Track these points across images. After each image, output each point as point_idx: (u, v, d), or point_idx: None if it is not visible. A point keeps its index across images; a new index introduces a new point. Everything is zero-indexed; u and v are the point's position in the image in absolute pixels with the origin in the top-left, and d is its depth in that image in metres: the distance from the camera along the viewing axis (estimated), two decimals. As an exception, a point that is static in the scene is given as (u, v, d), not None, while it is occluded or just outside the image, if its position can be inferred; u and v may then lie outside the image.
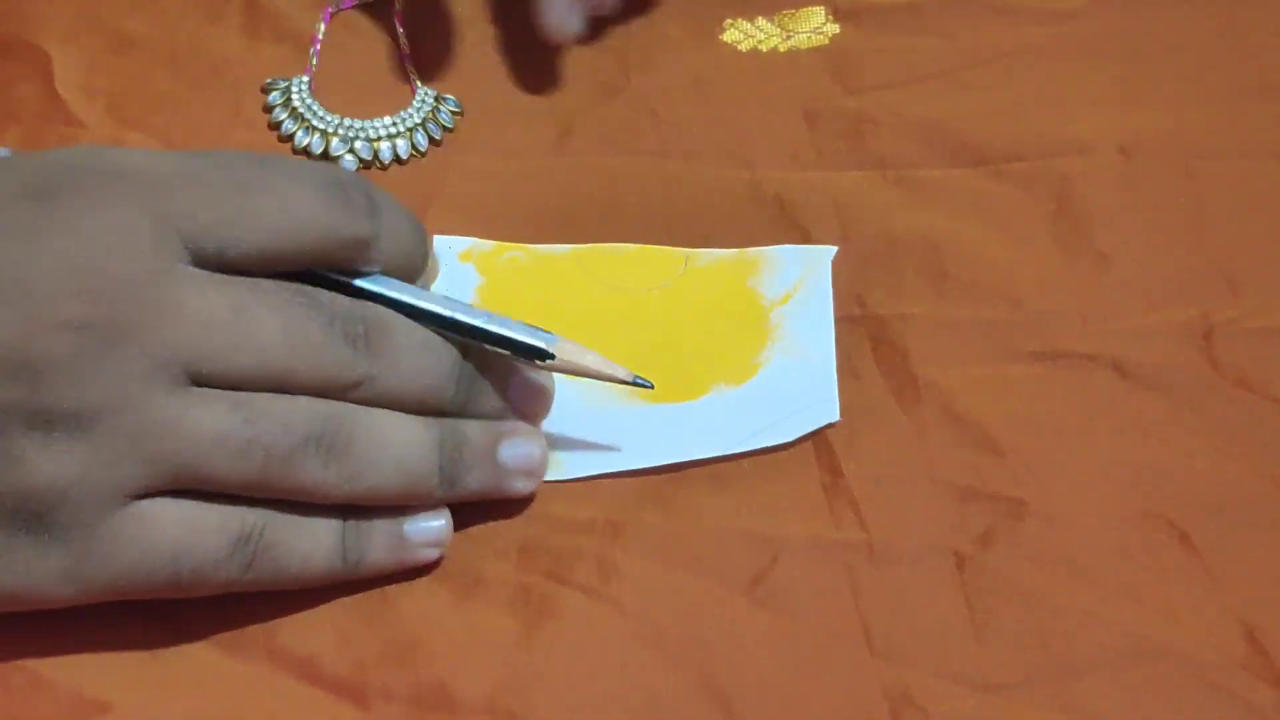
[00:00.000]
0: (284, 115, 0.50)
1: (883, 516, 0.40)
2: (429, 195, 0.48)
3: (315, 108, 0.50)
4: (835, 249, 0.45)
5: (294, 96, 0.50)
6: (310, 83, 0.51)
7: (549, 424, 0.40)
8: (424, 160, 0.50)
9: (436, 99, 0.51)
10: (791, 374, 0.42)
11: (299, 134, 0.49)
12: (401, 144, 0.49)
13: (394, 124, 0.50)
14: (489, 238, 0.46)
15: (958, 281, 0.45)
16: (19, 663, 0.36)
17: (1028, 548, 0.39)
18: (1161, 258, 0.46)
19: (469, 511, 0.39)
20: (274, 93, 0.50)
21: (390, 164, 0.49)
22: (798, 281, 0.44)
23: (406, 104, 0.51)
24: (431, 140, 0.50)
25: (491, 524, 0.40)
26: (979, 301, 0.45)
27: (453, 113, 0.51)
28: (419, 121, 0.50)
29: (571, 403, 0.41)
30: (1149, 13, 0.53)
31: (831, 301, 0.44)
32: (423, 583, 0.38)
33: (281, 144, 0.49)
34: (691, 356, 0.42)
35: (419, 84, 0.51)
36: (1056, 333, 0.44)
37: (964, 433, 0.42)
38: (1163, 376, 0.43)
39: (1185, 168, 0.48)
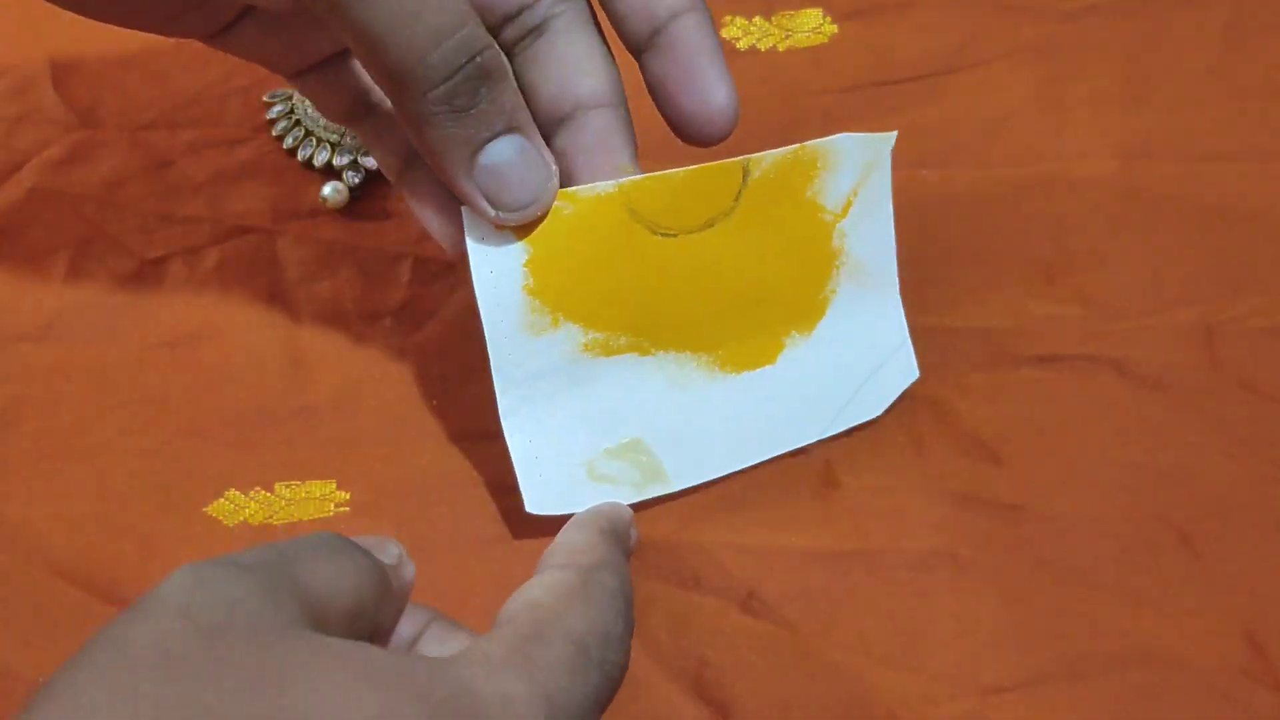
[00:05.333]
0: (287, 128, 0.50)
1: (880, 526, 0.40)
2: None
3: (319, 119, 0.50)
4: (894, 134, 0.40)
5: (297, 108, 0.50)
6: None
7: (642, 427, 0.39)
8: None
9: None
10: (859, 309, 0.41)
11: (302, 147, 0.49)
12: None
13: (397, 133, 0.50)
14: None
15: (957, 286, 0.45)
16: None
17: (1027, 552, 0.40)
18: (1162, 258, 0.46)
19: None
20: (276, 105, 0.50)
21: (394, 174, 0.49)
22: (857, 184, 0.40)
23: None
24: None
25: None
26: (978, 306, 0.45)
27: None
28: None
29: (652, 385, 0.39)
30: (1149, 13, 0.53)
31: (891, 204, 0.41)
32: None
33: (286, 157, 0.50)
34: (759, 301, 0.39)
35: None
36: (1057, 335, 0.44)
37: (962, 440, 0.42)
38: (1164, 377, 0.43)
39: (1185, 168, 0.48)
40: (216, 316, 0.46)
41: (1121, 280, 0.46)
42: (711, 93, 0.35)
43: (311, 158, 0.49)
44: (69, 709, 0.23)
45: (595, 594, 0.31)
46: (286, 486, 0.42)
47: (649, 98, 0.37)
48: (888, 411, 0.42)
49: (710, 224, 0.38)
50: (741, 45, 0.53)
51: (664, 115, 0.36)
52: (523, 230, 0.36)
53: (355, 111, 0.40)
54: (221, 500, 0.41)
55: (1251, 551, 0.39)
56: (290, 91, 0.51)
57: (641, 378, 0.38)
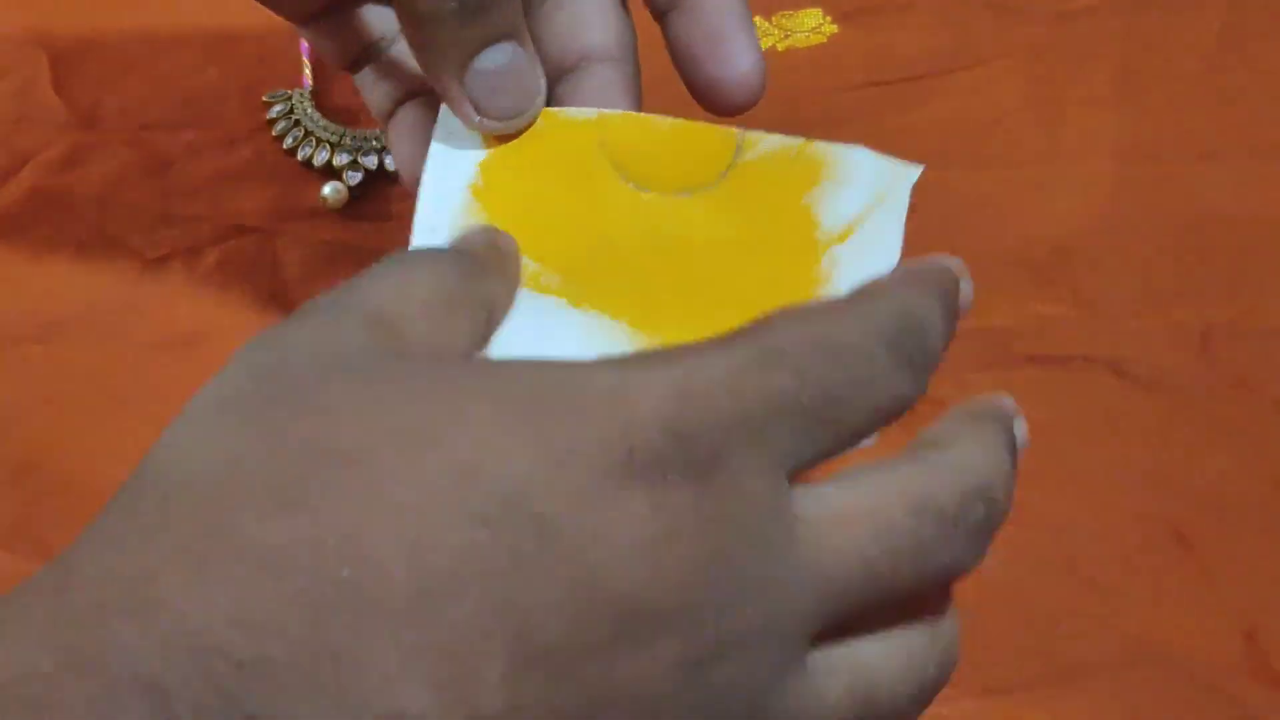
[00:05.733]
0: (287, 127, 0.50)
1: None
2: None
3: (319, 119, 0.50)
4: (921, 167, 0.35)
5: (296, 108, 0.50)
6: (312, 93, 0.51)
7: None
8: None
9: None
10: None
11: (302, 147, 0.49)
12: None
13: (397, 133, 0.50)
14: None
15: (957, 286, 0.46)
16: None
17: (1026, 552, 0.40)
18: (1158, 259, 0.46)
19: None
20: (276, 105, 0.51)
21: (396, 174, 0.49)
22: (866, 209, 0.34)
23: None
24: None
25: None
26: (976, 306, 0.45)
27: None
28: (422, 130, 0.50)
29: (567, 338, 0.32)
30: (1144, 14, 0.53)
31: (900, 247, 0.34)
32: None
33: (285, 157, 0.50)
34: (717, 296, 0.33)
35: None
36: (1054, 336, 0.44)
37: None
38: (1161, 378, 0.43)
39: (1181, 169, 0.48)
40: (216, 316, 0.46)
41: (1117, 281, 0.46)
42: (737, 58, 0.33)
43: (311, 157, 0.49)
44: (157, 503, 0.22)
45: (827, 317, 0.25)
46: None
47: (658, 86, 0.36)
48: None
49: (685, 191, 0.34)
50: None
51: (685, 81, 0.34)
52: (488, 140, 0.33)
53: (359, 59, 0.39)
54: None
55: (1249, 550, 0.40)
56: (290, 92, 0.51)
57: (560, 327, 0.32)
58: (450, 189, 0.33)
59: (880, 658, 0.25)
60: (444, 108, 0.33)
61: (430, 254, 0.28)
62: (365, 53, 0.39)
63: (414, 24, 0.32)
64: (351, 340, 0.25)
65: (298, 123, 0.50)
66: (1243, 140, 0.49)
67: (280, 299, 0.46)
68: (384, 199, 0.49)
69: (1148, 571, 0.39)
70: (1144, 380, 0.43)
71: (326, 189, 0.48)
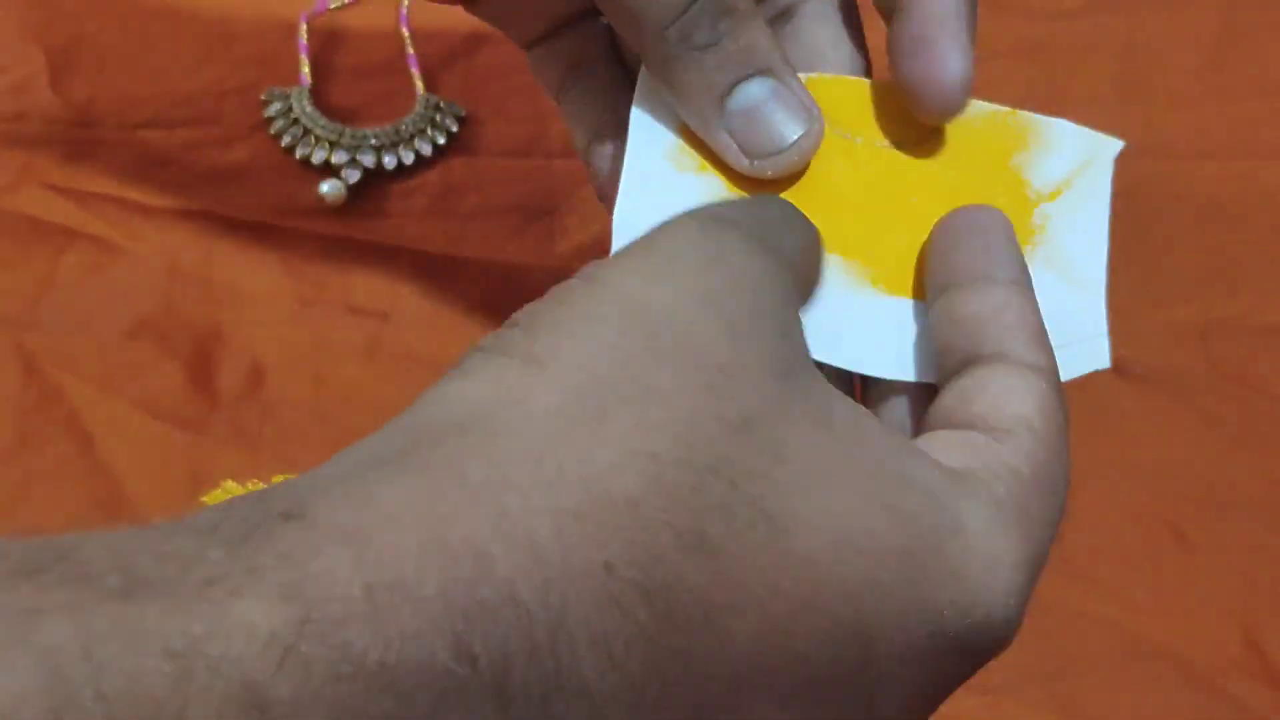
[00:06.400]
0: (285, 126, 0.50)
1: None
2: (437, 202, 0.48)
3: (317, 117, 0.50)
4: (1121, 143, 0.36)
5: (295, 106, 0.50)
6: (310, 92, 0.51)
7: None
8: (429, 166, 0.50)
9: (439, 105, 0.51)
10: (1053, 296, 0.33)
11: (300, 145, 0.49)
12: (405, 151, 0.50)
13: (396, 131, 0.50)
14: (501, 239, 0.46)
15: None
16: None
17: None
18: (1158, 256, 0.46)
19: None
20: (274, 103, 0.50)
21: (394, 172, 0.49)
22: (1072, 174, 0.36)
23: (408, 110, 0.51)
24: (435, 146, 0.50)
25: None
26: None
27: (457, 117, 0.51)
28: (422, 128, 0.50)
29: None
30: (1148, 12, 0.53)
31: (1108, 210, 0.36)
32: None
33: (284, 155, 0.50)
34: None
35: (421, 90, 0.51)
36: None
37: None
38: (1161, 375, 0.43)
39: (1181, 166, 0.49)
40: (215, 314, 0.46)
41: (1118, 278, 0.46)
42: (939, 61, 0.31)
43: (309, 156, 0.49)
44: (566, 358, 0.20)
45: (1063, 415, 0.25)
46: (284, 480, 0.42)
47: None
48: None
49: (898, 145, 0.34)
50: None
51: (896, 83, 0.33)
52: None
53: (564, 84, 0.37)
54: (218, 491, 0.41)
55: (1247, 548, 0.40)
56: (288, 90, 0.51)
57: None
58: (658, 128, 0.32)
59: None
60: (642, 69, 0.32)
61: (775, 263, 0.24)
62: (569, 78, 0.37)
63: (660, 74, 0.31)
64: (794, 314, 0.23)
65: (296, 121, 0.50)
66: (1242, 138, 0.49)
67: (279, 297, 0.46)
68: (382, 197, 0.49)
69: (1147, 570, 0.39)
70: (1144, 378, 0.43)
71: (325, 187, 0.48)
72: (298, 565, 0.17)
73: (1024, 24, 0.53)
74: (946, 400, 0.26)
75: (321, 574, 0.17)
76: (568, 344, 0.21)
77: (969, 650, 0.22)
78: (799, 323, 0.23)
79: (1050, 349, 0.27)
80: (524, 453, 0.19)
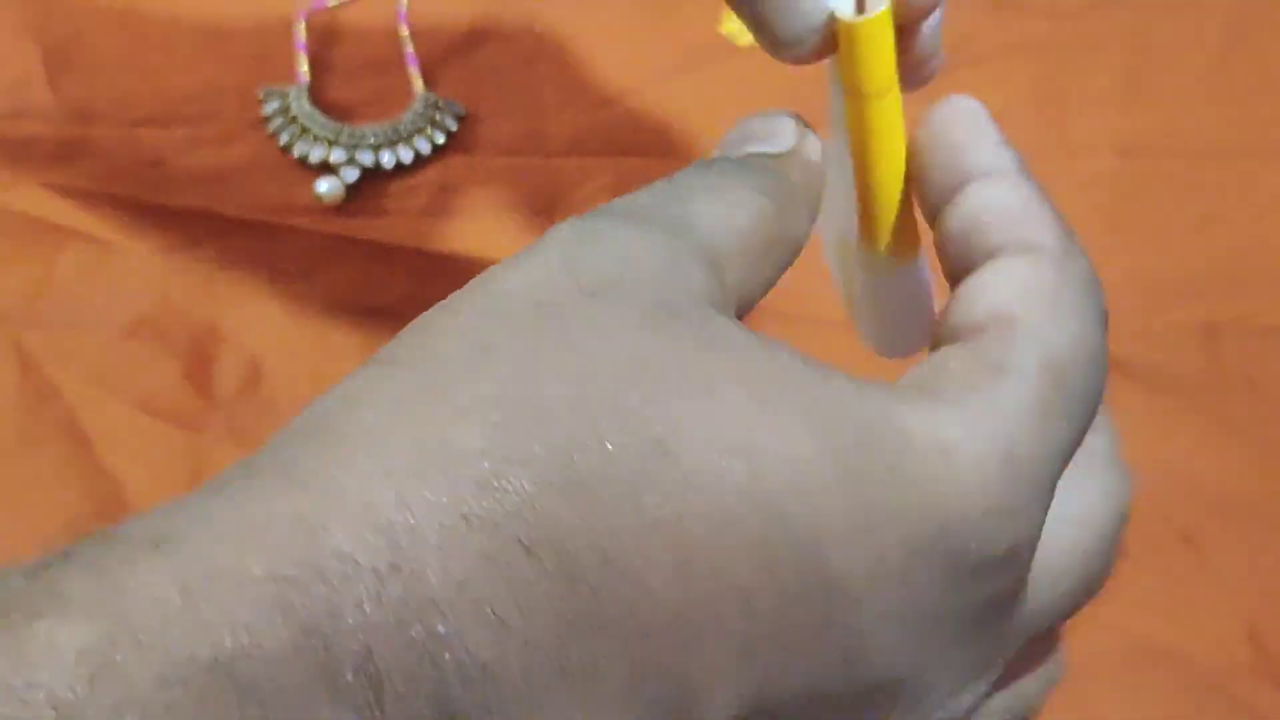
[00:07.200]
0: (282, 124, 0.50)
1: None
2: (435, 201, 0.48)
3: (315, 115, 0.50)
4: None
5: (292, 104, 0.50)
6: (308, 90, 0.51)
7: None
8: (427, 165, 0.50)
9: (438, 103, 0.51)
10: None
11: (298, 143, 0.49)
12: (403, 150, 0.49)
13: (394, 130, 0.50)
14: (501, 238, 0.46)
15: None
16: None
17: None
18: (1164, 257, 0.46)
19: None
20: (271, 101, 0.50)
21: (393, 170, 0.49)
22: None
23: (406, 108, 0.51)
24: (434, 145, 0.50)
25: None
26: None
27: (456, 116, 0.51)
28: (421, 127, 0.50)
29: None
30: (1149, 11, 0.53)
31: None
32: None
33: (281, 153, 0.49)
34: None
35: (419, 88, 0.51)
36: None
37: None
38: (1167, 376, 0.43)
39: (1187, 167, 0.48)
40: (214, 314, 0.45)
41: (1122, 279, 0.46)
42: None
43: (307, 154, 0.49)
44: (417, 352, 0.19)
45: (1073, 294, 0.22)
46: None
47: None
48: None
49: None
50: (742, 42, 0.53)
51: None
52: None
53: None
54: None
55: (1254, 550, 0.39)
56: (285, 88, 0.51)
57: None
58: None
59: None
60: None
61: (751, 176, 0.23)
62: None
63: None
64: (690, 277, 0.21)
65: (293, 119, 0.50)
66: (1247, 137, 0.49)
67: (277, 296, 0.46)
68: (380, 196, 0.49)
69: (1152, 571, 0.39)
70: (1150, 379, 0.43)
71: (322, 186, 0.48)
72: (106, 579, 0.16)
73: (1026, 23, 0.53)
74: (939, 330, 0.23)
75: (132, 583, 0.16)
76: (419, 339, 0.20)
77: (955, 555, 0.20)
78: (693, 290, 0.21)
79: (1051, 221, 0.23)
80: (357, 436, 0.18)
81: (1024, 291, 0.22)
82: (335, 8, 0.53)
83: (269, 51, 0.52)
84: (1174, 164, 0.48)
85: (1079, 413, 0.21)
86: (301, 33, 0.52)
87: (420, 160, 0.50)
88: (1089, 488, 0.25)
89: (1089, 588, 0.25)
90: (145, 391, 0.44)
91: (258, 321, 0.45)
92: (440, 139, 0.50)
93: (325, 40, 0.53)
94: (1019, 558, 0.21)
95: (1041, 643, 0.24)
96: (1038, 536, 0.21)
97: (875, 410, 0.20)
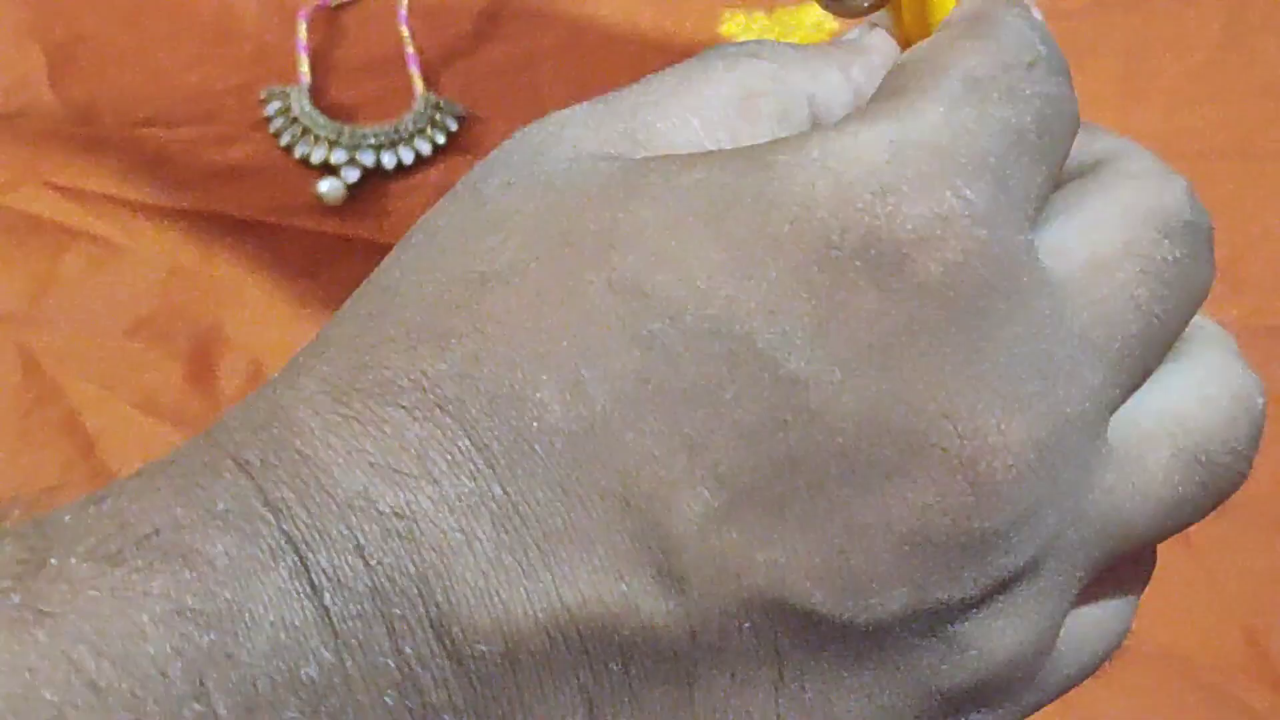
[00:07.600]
0: (284, 124, 0.50)
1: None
2: (435, 200, 0.48)
3: (316, 116, 0.50)
4: None
5: (294, 104, 0.50)
6: (309, 90, 0.51)
7: None
8: (428, 165, 0.50)
9: (438, 104, 0.51)
10: None
11: (299, 144, 0.49)
12: (404, 150, 0.49)
13: (395, 130, 0.50)
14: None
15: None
16: None
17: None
18: (1162, 257, 0.46)
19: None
20: (273, 102, 0.50)
21: (394, 171, 0.49)
22: None
23: (407, 108, 0.51)
24: (434, 145, 0.50)
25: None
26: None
27: (456, 116, 0.51)
28: (421, 127, 0.50)
29: None
30: (1149, 12, 0.53)
31: None
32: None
33: (283, 154, 0.50)
34: None
35: (420, 89, 0.51)
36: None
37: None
38: (1163, 376, 0.43)
39: (1186, 167, 0.48)
40: (215, 313, 0.45)
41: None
42: None
43: (309, 155, 0.49)
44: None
45: (996, 28, 0.21)
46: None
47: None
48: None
49: None
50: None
51: None
52: None
53: None
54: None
55: (1251, 550, 0.39)
56: (287, 88, 0.51)
57: None
58: None
59: (1196, 403, 0.19)
60: None
61: (744, 48, 0.21)
62: None
63: None
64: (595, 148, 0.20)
65: (295, 119, 0.50)
66: (1245, 138, 0.49)
67: (278, 295, 0.46)
68: (382, 196, 0.49)
69: (1149, 571, 0.39)
70: (1146, 379, 0.43)
71: (324, 186, 0.48)
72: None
73: (1026, 23, 0.53)
74: None
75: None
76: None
77: (847, 244, 0.17)
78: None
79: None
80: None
81: (951, 36, 0.20)
82: (336, 8, 0.53)
83: (270, 52, 0.52)
84: (1173, 164, 0.48)
85: (1017, 105, 0.19)
86: (303, 33, 0.52)
87: (421, 160, 0.50)
88: (1200, 376, 0.20)
89: (1196, 500, 0.20)
90: (147, 391, 0.44)
91: (260, 322, 0.45)
92: (441, 139, 0.50)
93: (327, 41, 0.53)
94: (946, 235, 0.17)
95: (1134, 566, 0.20)
96: (980, 217, 0.18)
97: (756, 157, 0.18)
